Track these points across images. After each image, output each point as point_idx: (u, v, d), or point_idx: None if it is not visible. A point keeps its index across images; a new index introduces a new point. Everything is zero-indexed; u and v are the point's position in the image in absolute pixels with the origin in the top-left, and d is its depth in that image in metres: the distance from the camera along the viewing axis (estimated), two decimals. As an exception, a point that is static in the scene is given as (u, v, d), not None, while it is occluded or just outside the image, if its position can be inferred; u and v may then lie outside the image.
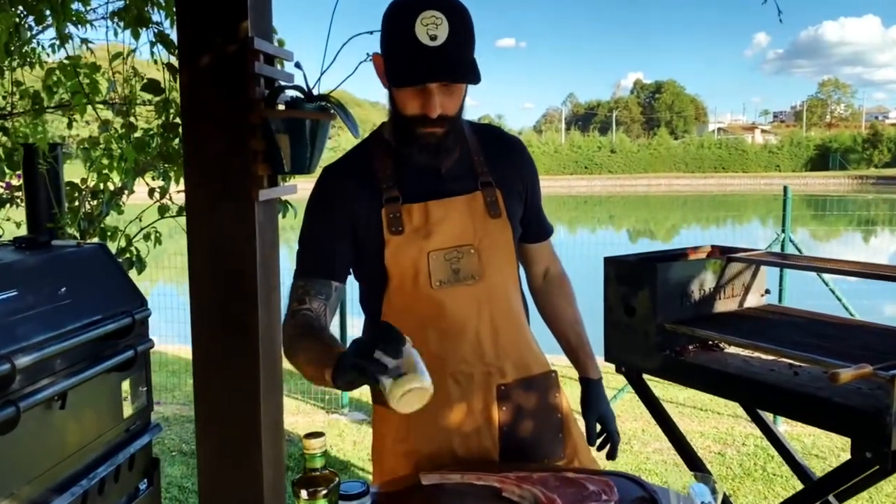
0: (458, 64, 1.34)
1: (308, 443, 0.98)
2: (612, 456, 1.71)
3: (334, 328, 5.08)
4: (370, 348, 1.13)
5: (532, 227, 1.67)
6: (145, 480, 1.97)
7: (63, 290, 1.65)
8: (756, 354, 2.39)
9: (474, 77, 1.35)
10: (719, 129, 75.74)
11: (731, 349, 2.45)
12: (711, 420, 4.79)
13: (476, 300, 1.48)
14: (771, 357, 2.35)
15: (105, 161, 2.83)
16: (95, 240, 2.55)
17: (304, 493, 0.96)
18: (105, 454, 1.75)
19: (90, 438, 1.69)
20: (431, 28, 1.30)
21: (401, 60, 1.36)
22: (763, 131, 73.61)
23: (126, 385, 1.84)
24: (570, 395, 1.72)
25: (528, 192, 1.62)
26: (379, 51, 1.43)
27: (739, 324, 2.47)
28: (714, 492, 1.08)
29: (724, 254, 2.62)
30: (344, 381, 1.18)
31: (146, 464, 1.96)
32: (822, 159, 51.55)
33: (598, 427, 1.71)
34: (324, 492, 0.96)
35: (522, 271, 1.75)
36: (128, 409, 1.85)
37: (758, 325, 2.45)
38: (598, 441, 1.73)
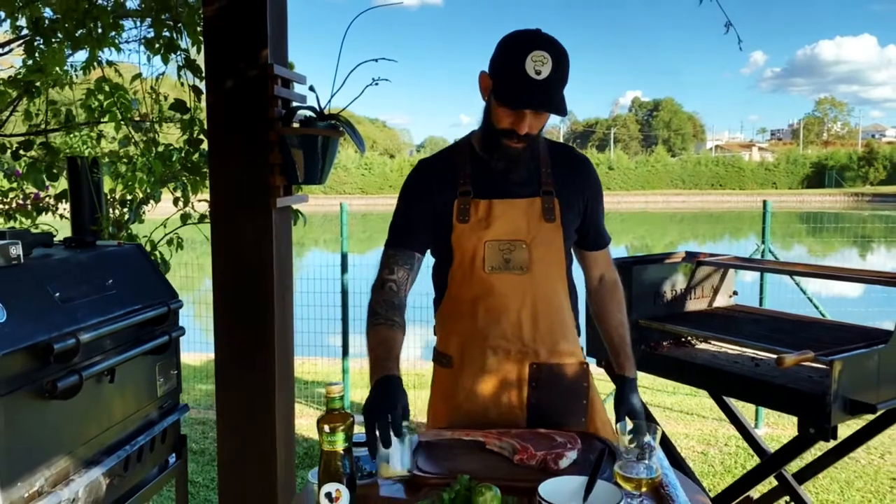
0: (554, 97, 1.61)
1: (330, 388, 1.23)
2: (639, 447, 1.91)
3: (336, 331, 5.34)
4: (384, 413, 1.35)
5: (591, 237, 1.91)
6: (174, 455, 2.22)
7: (110, 282, 1.91)
8: (723, 350, 2.65)
9: (564, 110, 1.63)
10: (717, 146, 76.29)
11: (701, 345, 2.71)
12: (696, 423, 5.02)
13: (521, 288, 1.74)
14: (736, 351, 2.61)
15: (130, 174, 3.10)
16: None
17: (326, 428, 1.21)
18: (143, 426, 2.01)
19: (131, 411, 1.94)
20: (538, 65, 1.57)
21: (509, 86, 1.62)
22: (760, 149, 74.11)
23: (159, 367, 2.09)
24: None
25: (587, 207, 1.86)
26: (486, 70, 1.70)
27: (707, 321, 2.74)
28: (654, 432, 1.34)
29: (694, 258, 2.88)
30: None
31: (175, 439, 2.21)
32: (819, 177, 51.92)
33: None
34: (341, 427, 1.21)
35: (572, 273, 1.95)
36: (161, 389, 2.10)
37: (724, 322, 2.71)
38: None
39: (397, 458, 1.39)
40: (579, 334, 1.89)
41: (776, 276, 5.16)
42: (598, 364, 2.85)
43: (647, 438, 1.32)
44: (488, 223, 1.72)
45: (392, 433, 1.32)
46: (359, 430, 1.37)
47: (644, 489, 1.33)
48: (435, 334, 1.89)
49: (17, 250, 1.65)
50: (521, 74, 1.57)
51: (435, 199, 1.76)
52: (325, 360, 6.40)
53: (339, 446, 1.22)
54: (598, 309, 1.97)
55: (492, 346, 1.75)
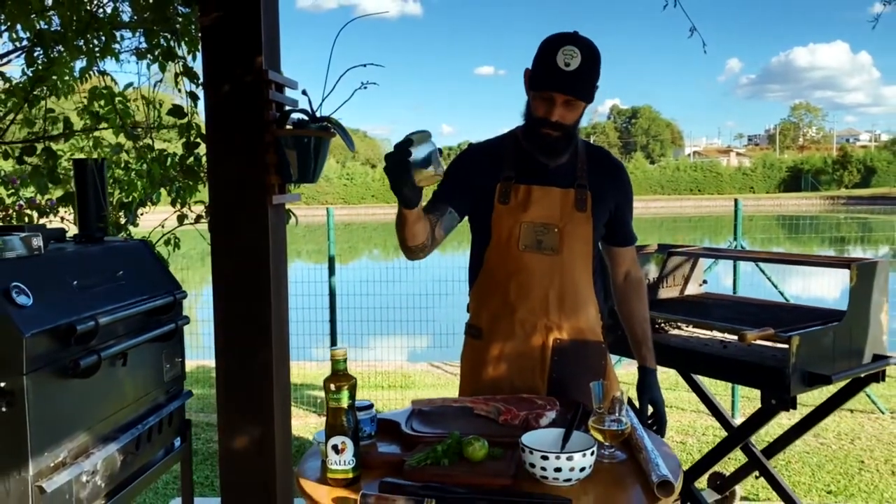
0: (577, 86, 1.81)
1: (335, 351, 1.39)
2: (660, 433, 2.01)
3: (325, 332, 5.47)
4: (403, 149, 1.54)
5: (619, 234, 2.09)
6: (179, 438, 2.35)
7: (120, 273, 2.05)
8: (695, 334, 2.83)
9: (586, 98, 1.84)
10: (695, 152, 77.09)
11: (674, 331, 2.88)
12: (675, 415, 5.18)
13: (550, 268, 1.91)
14: (706, 335, 2.79)
15: (127, 178, 3.22)
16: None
17: (332, 387, 1.36)
18: (152, 409, 2.14)
19: (142, 394, 2.08)
20: (567, 58, 1.78)
21: (540, 74, 1.83)
22: (738, 154, 75.02)
23: (165, 354, 2.23)
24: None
25: (618, 207, 2.04)
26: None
27: (678, 307, 2.91)
28: (622, 393, 1.50)
29: (666, 249, 3.06)
30: (395, 182, 1.59)
31: (180, 424, 2.34)
32: (795, 180, 52.76)
33: (650, 409, 2.03)
34: (346, 386, 1.37)
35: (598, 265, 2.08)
36: (167, 375, 2.24)
37: (693, 308, 2.89)
38: (650, 421, 2.03)
39: (428, 160, 1.54)
40: (602, 319, 2.05)
41: (751, 277, 5.40)
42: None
43: (618, 394, 1.48)
44: (526, 206, 1.91)
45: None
46: (360, 398, 1.52)
47: (615, 440, 1.49)
48: (468, 311, 2.07)
49: (38, 241, 1.79)
50: (552, 65, 1.79)
51: (476, 180, 1.94)
52: (314, 364, 6.56)
53: (344, 403, 1.37)
54: (622, 304, 2.12)
55: (520, 319, 1.92)
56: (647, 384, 2.04)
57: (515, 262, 1.91)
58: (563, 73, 1.78)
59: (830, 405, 2.61)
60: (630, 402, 2.14)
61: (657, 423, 2.03)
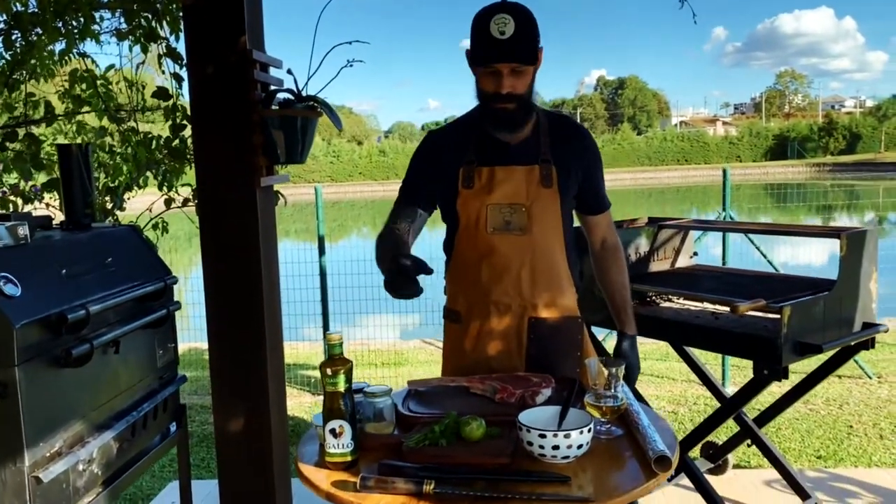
0: (516, 52, 1.78)
1: (331, 336, 1.38)
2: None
3: (316, 312, 5.45)
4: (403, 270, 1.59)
5: (590, 202, 2.06)
6: (175, 423, 2.34)
7: (109, 259, 2.03)
8: (686, 307, 2.84)
9: (530, 61, 1.81)
10: (681, 122, 77.07)
11: (665, 304, 2.89)
12: (667, 385, 5.23)
13: (521, 248, 1.90)
14: (697, 307, 2.80)
15: (112, 162, 3.19)
16: (111, 229, 2.89)
17: (328, 371, 1.36)
18: (146, 395, 2.13)
19: (135, 381, 2.07)
20: (501, 26, 1.75)
21: (478, 49, 1.80)
22: (724, 123, 75.04)
23: (158, 340, 2.22)
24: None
25: (585, 173, 2.00)
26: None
27: (669, 279, 2.92)
28: (618, 366, 1.50)
29: (656, 223, 3.06)
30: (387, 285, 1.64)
31: (175, 409, 2.34)
32: (781, 148, 52.93)
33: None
34: (342, 370, 1.36)
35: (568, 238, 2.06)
36: (160, 361, 2.23)
37: (684, 280, 2.90)
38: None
39: (383, 415, 1.55)
40: (577, 292, 2.03)
41: (740, 247, 5.42)
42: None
43: (613, 370, 1.48)
44: (490, 188, 1.89)
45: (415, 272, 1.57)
46: (357, 380, 1.52)
47: (611, 416, 1.50)
48: (445, 293, 2.06)
49: (24, 230, 1.76)
50: (488, 37, 1.76)
51: (440, 168, 1.92)
52: (307, 344, 6.57)
53: (341, 387, 1.37)
54: (600, 272, 2.11)
55: (494, 301, 1.92)
56: (624, 348, 2.05)
57: (485, 245, 1.90)
58: (500, 42, 1.75)
59: (821, 373, 2.63)
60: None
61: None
